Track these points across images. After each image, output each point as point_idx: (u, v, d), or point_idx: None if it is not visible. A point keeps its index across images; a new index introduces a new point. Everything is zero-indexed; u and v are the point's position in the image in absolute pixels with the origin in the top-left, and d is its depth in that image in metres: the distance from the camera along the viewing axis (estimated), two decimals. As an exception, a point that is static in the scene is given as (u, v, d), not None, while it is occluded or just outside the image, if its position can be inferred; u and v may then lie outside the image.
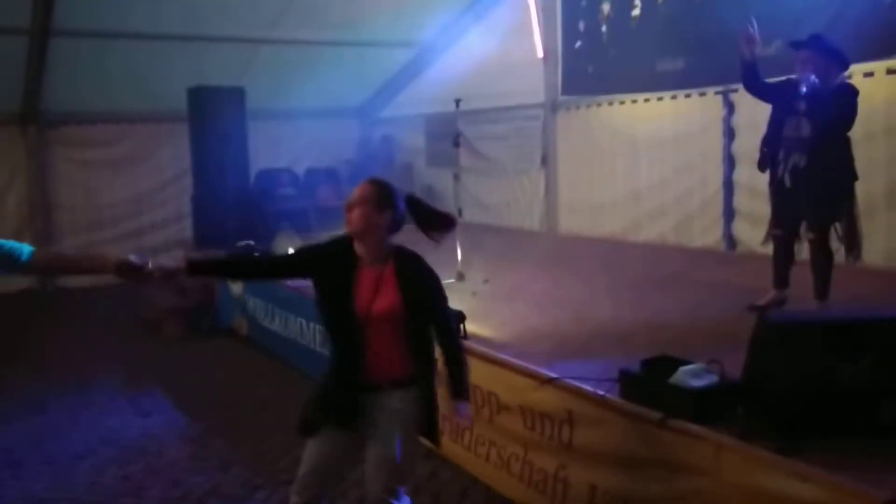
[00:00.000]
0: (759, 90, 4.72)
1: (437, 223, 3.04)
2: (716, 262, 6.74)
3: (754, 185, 6.22)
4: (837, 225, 4.48)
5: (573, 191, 9.08)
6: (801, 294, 4.62)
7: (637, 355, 3.60)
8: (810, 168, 4.42)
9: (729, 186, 7.19)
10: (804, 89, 4.41)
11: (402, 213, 2.95)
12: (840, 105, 4.37)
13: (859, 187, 4.70)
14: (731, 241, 7.22)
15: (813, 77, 4.43)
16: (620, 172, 8.34)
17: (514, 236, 8.98)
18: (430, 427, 3.04)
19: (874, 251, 5.97)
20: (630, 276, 6.37)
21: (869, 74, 5.90)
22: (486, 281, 6.22)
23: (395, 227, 2.94)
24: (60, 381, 6.11)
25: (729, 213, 7.22)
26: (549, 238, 8.95)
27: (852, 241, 4.45)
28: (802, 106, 4.47)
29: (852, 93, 4.41)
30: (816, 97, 4.40)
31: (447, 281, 6.17)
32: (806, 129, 4.44)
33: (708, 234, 7.43)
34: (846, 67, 4.58)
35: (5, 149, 9.47)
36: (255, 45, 9.45)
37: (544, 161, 9.29)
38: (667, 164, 7.80)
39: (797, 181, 4.50)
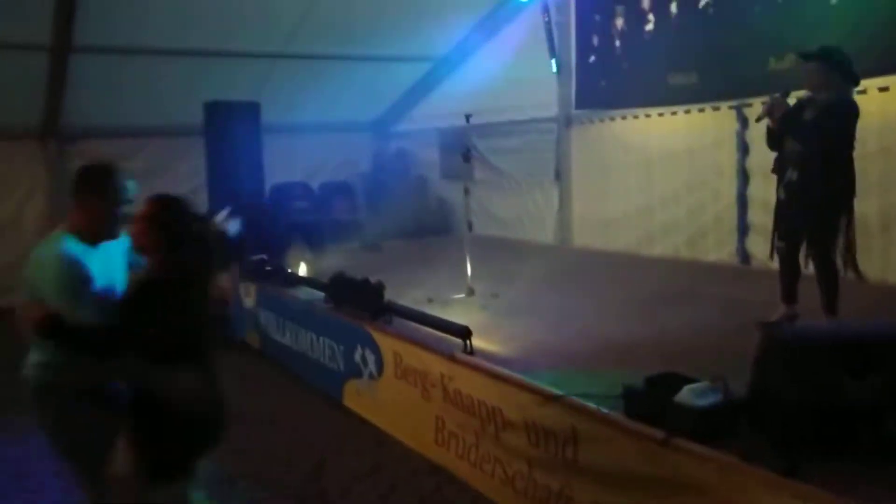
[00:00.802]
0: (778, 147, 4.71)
1: (220, 262, 3.00)
2: (729, 277, 6.69)
3: (768, 200, 6.13)
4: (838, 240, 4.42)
5: (587, 205, 9.06)
6: (812, 308, 4.56)
7: (644, 372, 3.57)
8: (801, 182, 4.39)
9: (742, 201, 7.14)
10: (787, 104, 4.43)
11: (187, 236, 2.85)
12: (836, 121, 4.32)
13: (874, 203, 4.64)
14: (744, 255, 7.15)
15: (797, 98, 4.44)
16: (634, 186, 8.31)
17: (527, 250, 8.96)
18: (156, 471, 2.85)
19: (890, 267, 5.90)
20: (642, 290, 6.32)
21: (884, 89, 5.84)
22: (495, 295, 6.20)
23: (174, 250, 2.84)
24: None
25: (743, 228, 7.16)
26: (562, 252, 8.92)
27: (847, 259, 4.38)
28: (799, 121, 4.44)
29: (848, 108, 4.34)
30: (813, 112, 4.38)
31: (457, 296, 6.25)
32: (799, 143, 4.41)
33: (721, 249, 7.37)
34: (856, 83, 4.52)
35: (25, 163, 9.60)
36: (271, 60, 9.55)
37: (558, 175, 9.29)
38: (680, 179, 7.76)
39: (791, 195, 4.48)
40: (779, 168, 4.62)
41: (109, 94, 9.02)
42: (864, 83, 5.20)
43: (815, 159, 4.32)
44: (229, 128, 8.86)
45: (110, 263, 3.01)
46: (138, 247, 2.88)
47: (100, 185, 2.93)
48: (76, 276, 2.81)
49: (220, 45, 8.87)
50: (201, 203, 9.67)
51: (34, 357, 2.97)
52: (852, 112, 4.32)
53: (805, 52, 4.59)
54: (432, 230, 10.71)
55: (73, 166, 9.77)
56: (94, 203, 2.92)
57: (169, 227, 2.82)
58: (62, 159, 9.81)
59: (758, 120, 4.70)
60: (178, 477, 2.88)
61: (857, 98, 4.67)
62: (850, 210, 4.38)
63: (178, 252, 2.83)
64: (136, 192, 3.00)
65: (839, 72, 4.39)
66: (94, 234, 2.95)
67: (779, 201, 4.62)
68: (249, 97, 9.17)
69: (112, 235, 3.01)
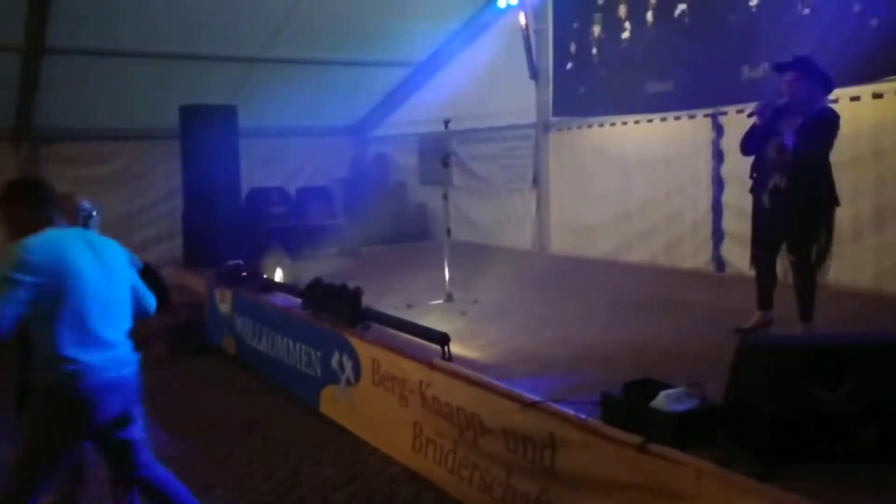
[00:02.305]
0: (756, 150, 4.73)
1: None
2: (704, 284, 6.75)
3: (743, 208, 6.22)
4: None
5: (564, 211, 9.12)
6: (787, 316, 4.62)
7: (622, 377, 3.59)
8: (790, 189, 4.43)
9: (718, 208, 7.22)
10: (776, 104, 4.49)
11: None
12: (822, 129, 4.38)
13: (846, 210, 4.70)
14: (720, 262, 7.24)
15: (782, 101, 4.49)
16: (611, 193, 8.38)
17: (505, 256, 8.98)
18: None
19: (862, 274, 6.00)
20: (619, 296, 6.36)
21: (855, 98, 5.95)
22: (474, 301, 6.21)
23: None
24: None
25: (718, 235, 7.24)
26: (540, 258, 8.96)
27: (820, 261, 4.44)
28: (783, 128, 4.49)
29: (833, 117, 4.41)
30: (797, 119, 4.44)
31: (436, 302, 6.24)
32: (788, 150, 4.46)
33: (697, 256, 7.45)
34: (830, 90, 4.60)
35: (-3, 165, 9.47)
36: (249, 63, 9.51)
37: (536, 181, 9.33)
38: (657, 186, 7.83)
39: (777, 202, 4.51)
40: (759, 175, 4.65)
41: (84, 96, 8.94)
42: (835, 93, 5.28)
43: (805, 166, 4.38)
44: (205, 132, 8.80)
45: None
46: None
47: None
48: None
49: (197, 48, 8.81)
50: (176, 206, 9.59)
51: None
52: (838, 120, 4.39)
53: (781, 64, 4.65)
54: (411, 236, 10.70)
55: (47, 169, 9.76)
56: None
57: None
58: (36, 162, 9.68)
59: (749, 115, 4.72)
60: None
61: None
62: (832, 216, 4.45)
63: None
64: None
65: (819, 80, 4.46)
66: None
67: (761, 208, 4.66)
68: (227, 101, 9.12)
69: None
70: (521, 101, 9.20)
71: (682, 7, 7.35)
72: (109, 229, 10.94)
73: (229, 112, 9.02)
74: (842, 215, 4.71)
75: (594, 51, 8.43)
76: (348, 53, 9.57)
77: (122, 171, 10.09)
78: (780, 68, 4.64)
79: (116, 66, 8.72)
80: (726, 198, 7.14)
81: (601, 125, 8.52)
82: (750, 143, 4.71)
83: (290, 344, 6.02)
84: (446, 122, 6.44)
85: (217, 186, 8.76)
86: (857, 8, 5.85)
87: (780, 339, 3.72)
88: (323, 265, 7.83)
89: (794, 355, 3.00)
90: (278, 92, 9.74)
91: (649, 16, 7.74)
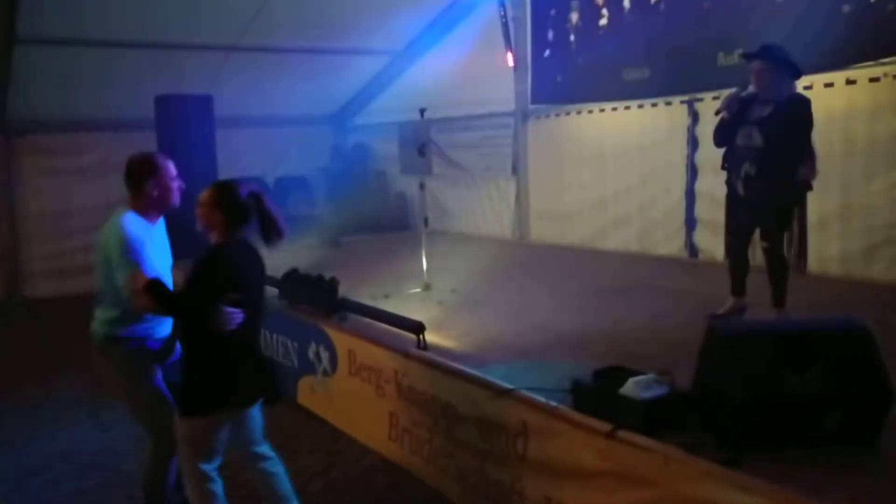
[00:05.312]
0: (727, 141, 4.75)
1: (270, 230, 3.33)
2: (678, 271, 6.80)
3: (716, 195, 6.25)
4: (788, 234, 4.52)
5: (543, 199, 9.13)
6: (760, 302, 4.66)
7: (595, 365, 3.62)
8: (761, 177, 4.47)
9: (691, 196, 7.26)
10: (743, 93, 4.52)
11: (241, 212, 3.26)
12: (794, 117, 4.40)
13: (814, 198, 4.75)
14: (693, 249, 7.28)
15: (750, 88, 4.52)
16: (588, 181, 8.40)
17: (485, 245, 9.00)
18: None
19: (829, 260, 6.06)
20: (595, 284, 6.39)
21: (829, 84, 5.99)
22: (452, 290, 6.21)
23: (233, 224, 3.25)
24: (19, 395, 6.00)
25: (691, 222, 7.29)
26: (518, 246, 8.98)
27: (800, 251, 4.49)
28: (753, 116, 4.52)
29: (805, 104, 4.44)
30: (766, 107, 4.47)
31: (413, 290, 6.24)
32: (757, 138, 4.49)
33: (671, 243, 7.50)
34: (798, 77, 4.62)
35: (-30, 157, 9.34)
36: (225, 52, 9.40)
37: (515, 169, 9.33)
38: (632, 173, 7.86)
39: (749, 189, 4.55)
40: (731, 163, 4.68)
41: (58, 87, 8.80)
42: (809, 79, 5.33)
43: (777, 154, 4.40)
44: (181, 122, 8.69)
45: (162, 237, 3.77)
46: (203, 227, 3.27)
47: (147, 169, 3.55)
48: (135, 238, 3.36)
49: (172, 36, 8.70)
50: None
51: (103, 314, 3.53)
52: (808, 104, 4.42)
53: (748, 53, 4.67)
54: (391, 226, 10.67)
55: (21, 161, 9.63)
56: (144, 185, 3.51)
57: (228, 207, 3.22)
58: (9, 154, 9.56)
59: (717, 112, 4.75)
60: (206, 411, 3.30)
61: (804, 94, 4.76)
62: (803, 203, 4.48)
63: (239, 229, 3.25)
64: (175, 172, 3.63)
65: (787, 68, 4.48)
66: (148, 211, 3.55)
67: (734, 195, 4.68)
68: (203, 90, 9.01)
69: (162, 211, 3.62)
70: (500, 89, 9.18)
71: (658, -6, 7.36)
72: (88, 221, 10.75)
73: (205, 102, 8.92)
74: (811, 201, 4.75)
75: (572, 38, 8.43)
76: (326, 41, 9.49)
77: (97, 163, 9.94)
78: (747, 57, 4.67)
79: (90, 55, 8.59)
80: (699, 185, 7.18)
81: (579, 113, 8.53)
82: (721, 135, 4.73)
83: (267, 335, 5.99)
84: (422, 111, 6.42)
85: (194, 177, 8.49)
86: (829, -5, 5.88)
87: (747, 325, 3.76)
88: (302, 255, 7.79)
89: (762, 341, 3.03)
90: (255, 81, 9.65)
91: (626, 3, 7.74)
